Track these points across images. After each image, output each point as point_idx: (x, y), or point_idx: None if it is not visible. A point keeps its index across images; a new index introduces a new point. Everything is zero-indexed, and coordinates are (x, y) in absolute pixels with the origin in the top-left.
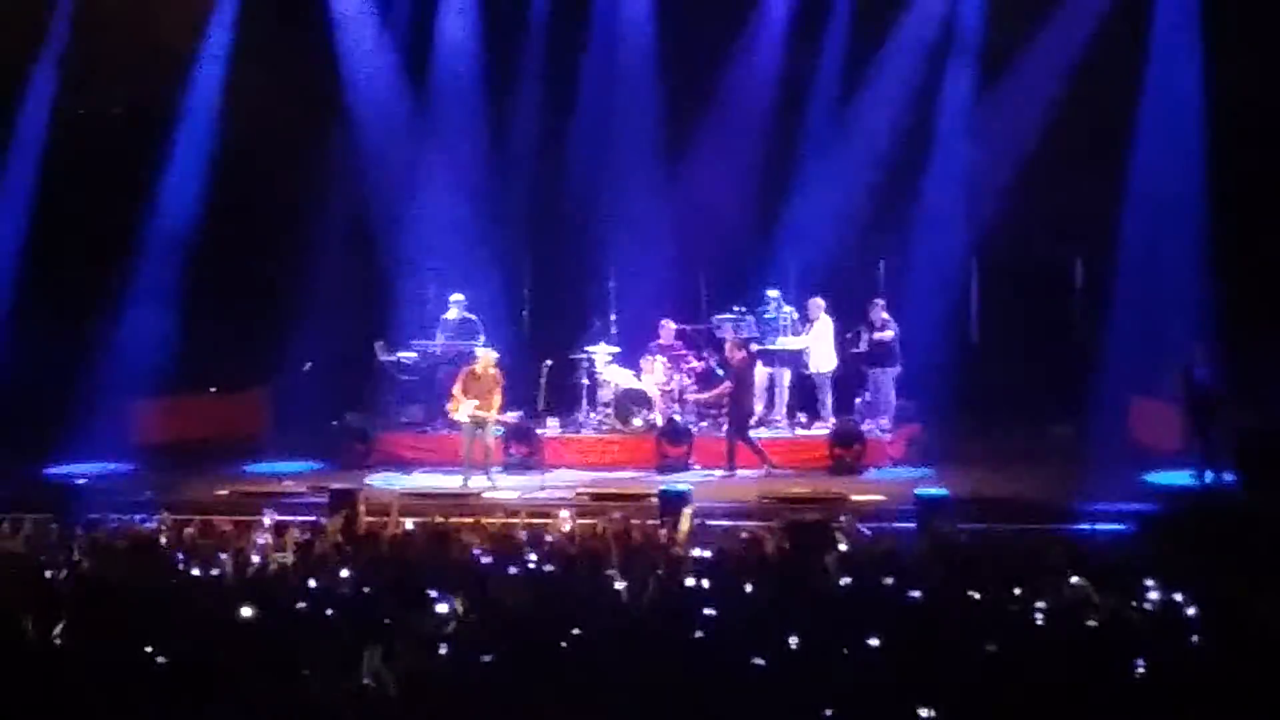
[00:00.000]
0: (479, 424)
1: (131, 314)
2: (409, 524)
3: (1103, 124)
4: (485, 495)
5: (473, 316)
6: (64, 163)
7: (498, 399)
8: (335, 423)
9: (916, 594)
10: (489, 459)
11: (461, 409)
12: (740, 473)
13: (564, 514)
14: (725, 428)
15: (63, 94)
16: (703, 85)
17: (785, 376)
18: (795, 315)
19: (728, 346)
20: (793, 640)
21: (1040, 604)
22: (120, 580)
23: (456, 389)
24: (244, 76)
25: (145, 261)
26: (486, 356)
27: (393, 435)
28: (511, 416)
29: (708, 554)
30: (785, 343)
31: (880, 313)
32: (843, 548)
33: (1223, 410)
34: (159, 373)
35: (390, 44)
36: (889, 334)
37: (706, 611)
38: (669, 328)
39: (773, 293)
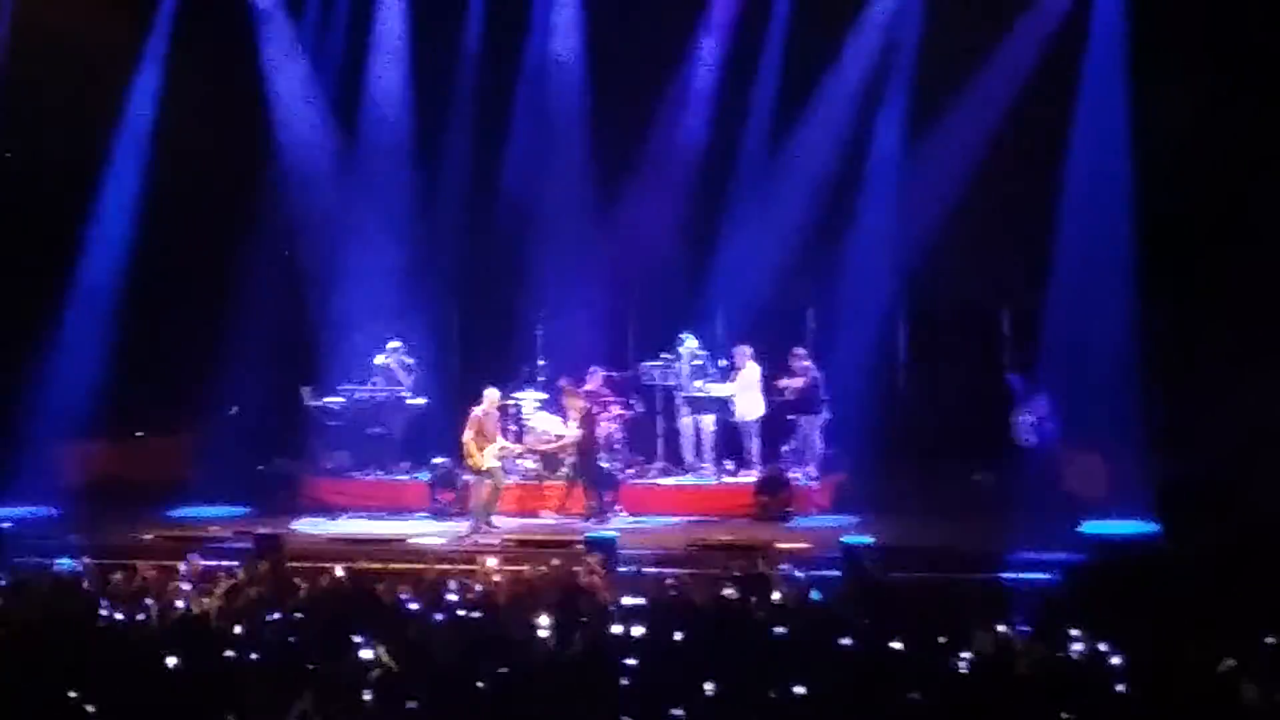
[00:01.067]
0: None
1: (58, 357)
2: (336, 570)
3: (1030, 174)
4: (410, 541)
5: (410, 361)
6: None
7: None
8: (261, 468)
9: (846, 641)
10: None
11: (487, 456)
12: (653, 520)
13: (491, 561)
14: (580, 476)
15: None
16: (632, 133)
17: (709, 423)
18: (723, 363)
19: (566, 396)
20: (719, 688)
21: (965, 653)
22: (43, 625)
23: (468, 439)
24: (173, 122)
25: (73, 305)
26: (492, 396)
27: (319, 480)
28: (439, 461)
29: (638, 601)
30: (710, 389)
31: (803, 360)
32: (775, 596)
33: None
34: (85, 416)
35: (320, 90)
36: (798, 382)
37: (632, 660)
38: (598, 375)
39: (688, 340)
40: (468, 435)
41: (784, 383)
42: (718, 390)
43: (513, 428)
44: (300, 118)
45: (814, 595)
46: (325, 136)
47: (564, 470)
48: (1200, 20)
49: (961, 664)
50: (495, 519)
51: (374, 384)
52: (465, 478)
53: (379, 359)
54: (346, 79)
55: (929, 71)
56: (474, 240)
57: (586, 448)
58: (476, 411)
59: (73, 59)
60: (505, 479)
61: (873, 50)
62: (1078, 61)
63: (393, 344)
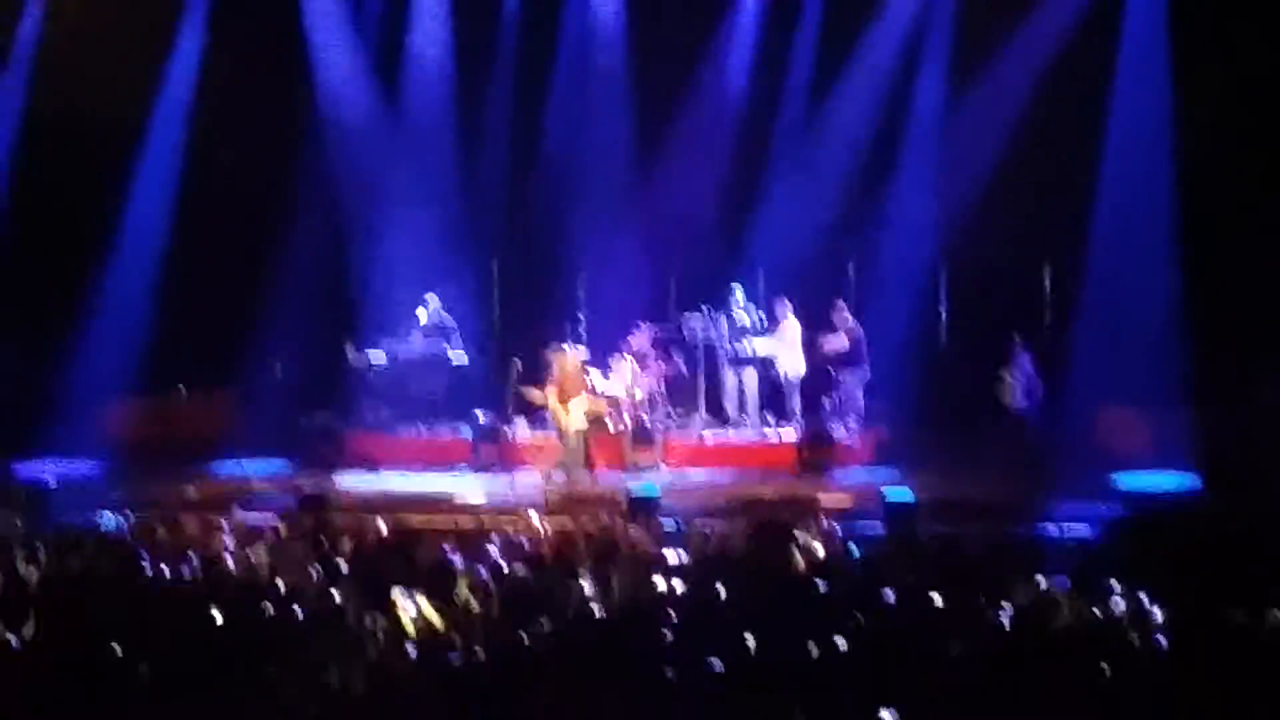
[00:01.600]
0: (593, 420)
1: (101, 313)
2: (380, 524)
3: (1073, 129)
4: (455, 498)
5: (448, 319)
6: (35, 166)
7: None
8: (304, 422)
9: (889, 596)
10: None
11: (573, 415)
12: (695, 475)
13: (533, 515)
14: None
15: (33, 99)
16: (674, 88)
17: (753, 378)
18: (760, 314)
19: (556, 359)
20: (760, 641)
21: (1006, 606)
22: (87, 580)
23: (551, 400)
24: (216, 80)
25: (116, 262)
26: (571, 355)
27: (362, 435)
28: (481, 414)
29: (680, 556)
30: (753, 345)
31: (843, 314)
32: (818, 548)
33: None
34: (127, 371)
35: (362, 48)
36: (854, 335)
37: (673, 614)
38: (644, 332)
39: (737, 290)
40: (551, 398)
41: (828, 344)
42: (760, 345)
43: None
44: (342, 76)
45: (853, 549)
46: (367, 94)
47: (607, 424)
48: None
49: (1002, 617)
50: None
51: (414, 339)
52: (509, 432)
53: (425, 313)
54: (388, 36)
55: (971, 25)
56: (515, 196)
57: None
58: (556, 371)
59: (114, 20)
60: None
61: (915, 4)
62: (1121, 13)
63: (430, 297)
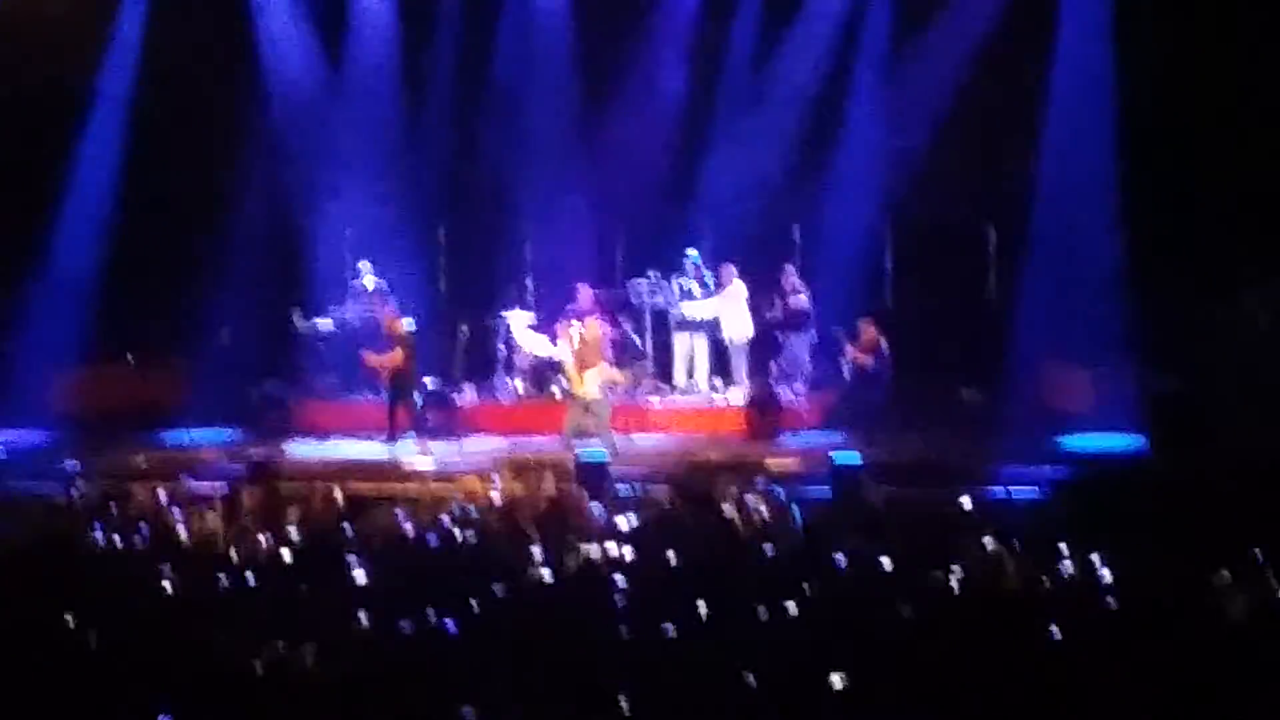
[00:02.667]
0: (611, 388)
1: (47, 282)
2: (330, 492)
3: (1016, 88)
4: (403, 464)
5: (383, 282)
6: None
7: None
8: (252, 391)
9: (838, 559)
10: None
11: (588, 383)
12: (644, 440)
13: (481, 480)
14: (388, 395)
15: None
16: (618, 50)
17: (702, 343)
18: (711, 280)
19: (387, 319)
20: (711, 606)
21: (955, 568)
22: (36, 550)
23: (570, 367)
24: (159, 46)
25: (62, 230)
26: (591, 324)
27: (311, 403)
28: (429, 381)
29: (630, 522)
30: (698, 308)
31: (792, 278)
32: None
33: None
34: (74, 341)
35: (305, 11)
36: (802, 298)
37: (624, 579)
38: (585, 293)
39: (691, 252)
40: (568, 360)
41: (786, 300)
42: (707, 309)
43: (501, 348)
44: (285, 40)
45: (795, 512)
46: (311, 59)
47: (554, 389)
48: None
49: (951, 579)
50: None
51: (348, 306)
52: (455, 398)
53: (363, 280)
54: (330, 5)
55: None
56: (460, 161)
57: (406, 367)
58: (576, 336)
59: None
60: (608, 402)
61: None
62: None
63: (363, 264)
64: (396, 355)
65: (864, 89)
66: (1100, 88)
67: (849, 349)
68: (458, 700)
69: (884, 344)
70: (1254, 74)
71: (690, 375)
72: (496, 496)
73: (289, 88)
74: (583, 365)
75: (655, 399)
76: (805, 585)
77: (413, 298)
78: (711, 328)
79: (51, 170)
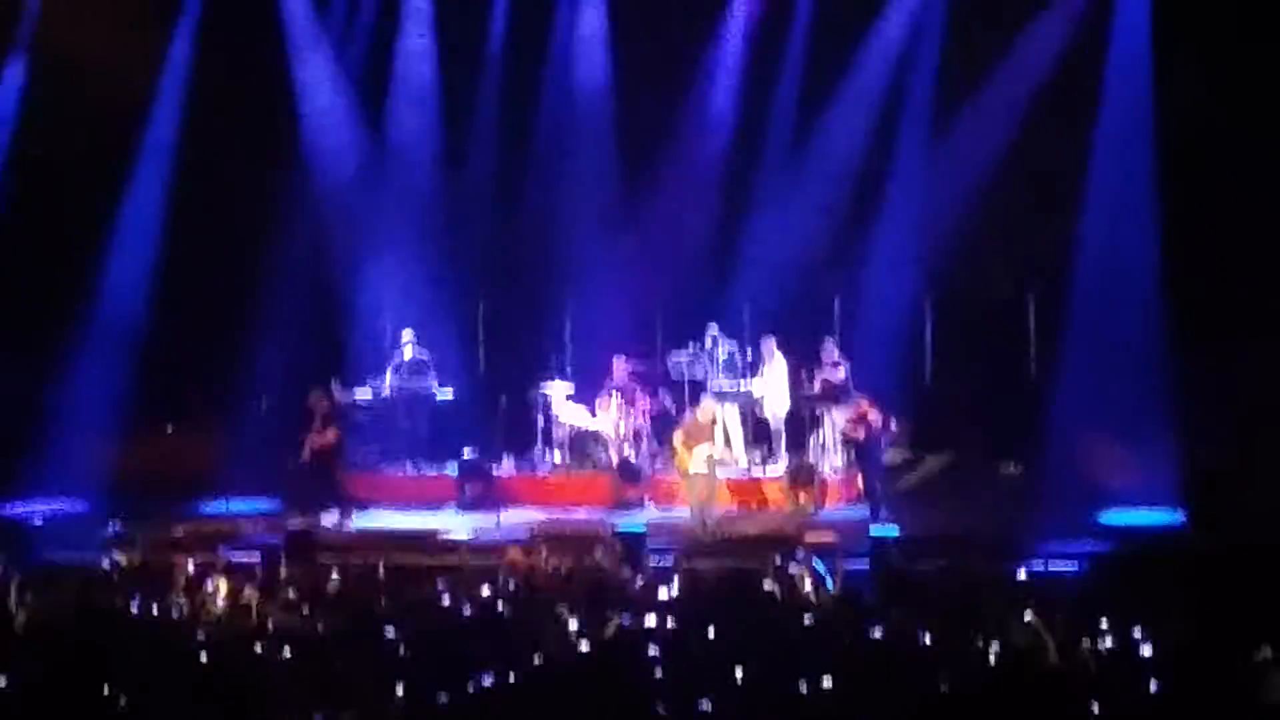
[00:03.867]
0: (713, 468)
1: (89, 352)
2: (367, 563)
3: (1057, 161)
4: (441, 535)
5: (424, 355)
6: (22, 202)
7: (720, 438)
8: (291, 461)
9: (875, 632)
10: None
11: (696, 458)
12: (682, 512)
13: (520, 552)
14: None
15: (20, 136)
16: (659, 124)
17: (737, 415)
18: (734, 351)
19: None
20: (748, 680)
21: (994, 642)
22: (75, 619)
23: (677, 441)
24: (200, 119)
25: (104, 299)
26: (707, 405)
27: (349, 474)
28: (467, 452)
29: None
30: (739, 383)
31: (832, 351)
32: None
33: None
34: (115, 411)
35: (347, 84)
36: (840, 374)
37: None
38: (622, 365)
39: (712, 329)
40: (678, 437)
41: (825, 375)
42: (747, 386)
43: (540, 419)
44: (327, 113)
45: (829, 586)
46: (352, 131)
47: (591, 462)
48: (1225, 5)
49: (990, 653)
50: (713, 513)
51: (388, 378)
52: (494, 469)
53: (404, 353)
54: (373, 73)
55: (955, 58)
56: (500, 232)
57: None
58: (689, 416)
59: (100, 60)
60: (716, 478)
61: (899, 38)
62: (1103, 48)
63: (406, 335)
64: (329, 434)
65: (906, 161)
66: (1142, 160)
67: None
68: None
69: (875, 418)
70: None
71: (728, 446)
72: (535, 567)
73: (331, 159)
74: (690, 442)
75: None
76: (843, 659)
77: (452, 369)
78: (749, 399)
79: (94, 239)
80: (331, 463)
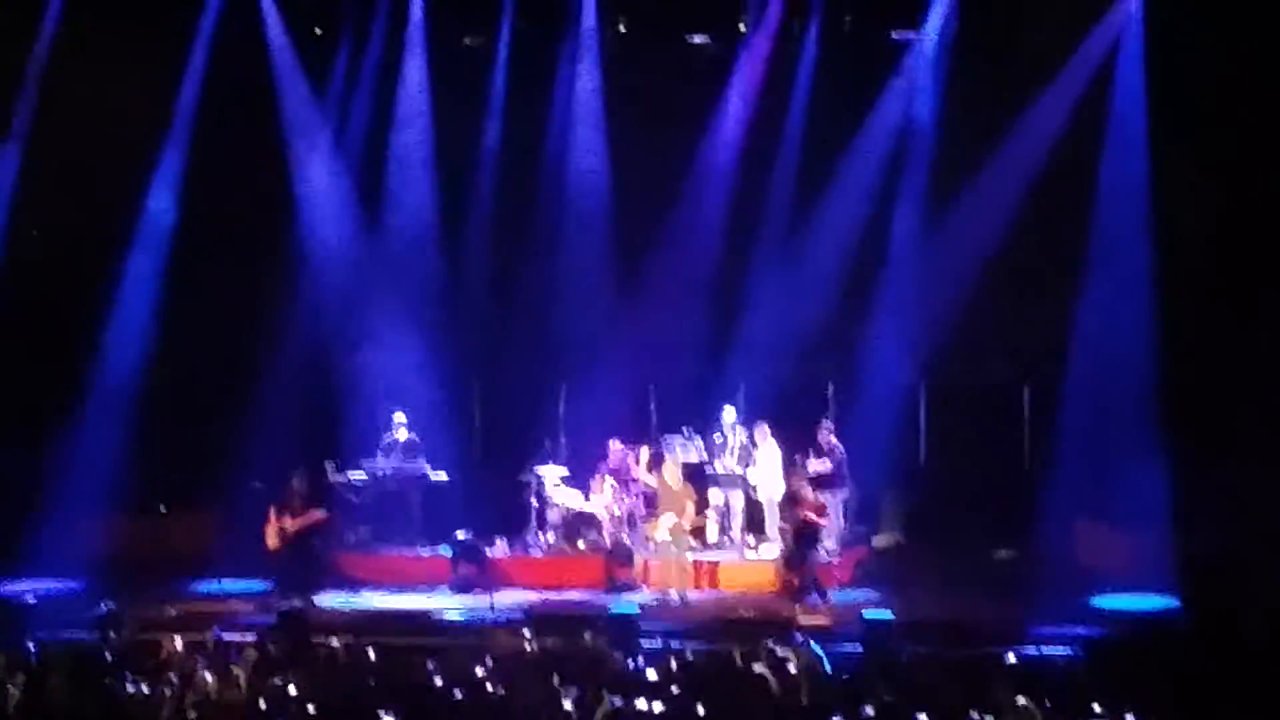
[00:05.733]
0: (677, 538)
1: (82, 432)
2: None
3: (1051, 250)
4: (434, 615)
5: (414, 436)
6: (16, 283)
7: (691, 509)
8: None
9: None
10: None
11: (660, 527)
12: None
13: (512, 633)
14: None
15: (12, 223)
16: (655, 209)
17: (737, 499)
18: (745, 436)
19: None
20: None
21: None
22: (67, 698)
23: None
24: (197, 200)
25: (98, 380)
26: (675, 464)
27: (342, 555)
28: (461, 534)
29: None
30: (737, 470)
31: (828, 435)
32: (796, 665)
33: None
34: (109, 491)
35: (344, 170)
36: (825, 466)
37: None
38: (616, 448)
39: (729, 412)
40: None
41: (811, 468)
42: (748, 474)
43: (534, 502)
44: (323, 197)
45: (825, 664)
46: (348, 211)
47: (583, 545)
48: (1221, 93)
49: None
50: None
51: (379, 459)
52: (487, 551)
53: (397, 434)
54: (369, 159)
55: (950, 148)
56: (496, 316)
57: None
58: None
59: (97, 139)
60: (681, 553)
61: (892, 128)
62: (1100, 137)
63: (398, 418)
64: (314, 514)
65: (900, 248)
66: (1139, 248)
67: (800, 512)
68: None
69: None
70: None
71: (725, 530)
72: (527, 649)
73: (326, 239)
74: (661, 509)
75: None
76: None
77: (447, 451)
78: (745, 483)
79: (89, 319)
80: (315, 543)
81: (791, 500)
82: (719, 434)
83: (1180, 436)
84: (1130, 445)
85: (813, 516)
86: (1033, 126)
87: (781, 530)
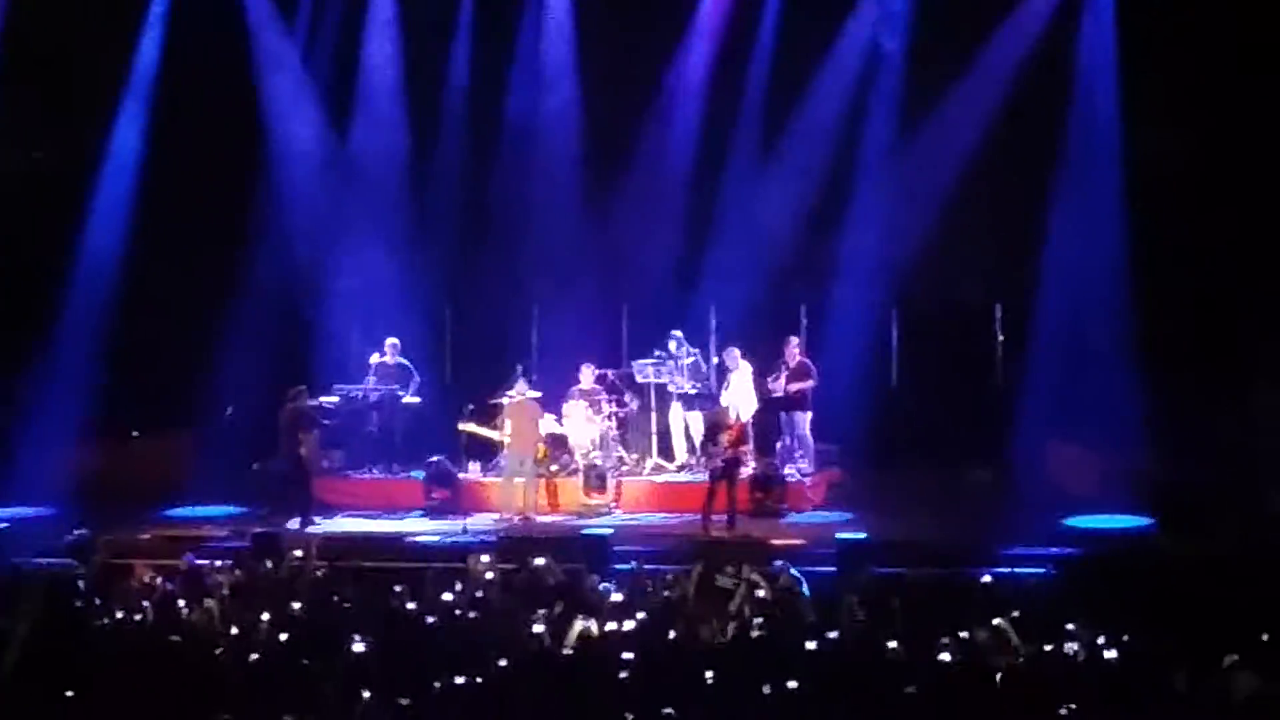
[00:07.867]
0: (521, 462)
1: (54, 358)
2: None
3: (1023, 168)
4: (407, 539)
5: (406, 361)
6: None
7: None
8: (257, 467)
9: (844, 636)
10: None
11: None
12: (647, 518)
13: (485, 558)
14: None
15: None
16: (624, 132)
17: (700, 420)
18: (698, 357)
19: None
20: (714, 684)
21: (960, 646)
22: (40, 624)
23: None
24: (167, 124)
25: (68, 306)
26: (521, 392)
27: (315, 479)
28: (435, 459)
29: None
30: (690, 389)
31: (794, 349)
32: (760, 593)
33: None
34: (81, 417)
35: (313, 90)
36: (809, 383)
37: (627, 657)
38: (588, 372)
39: (676, 334)
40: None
41: (794, 384)
42: (710, 390)
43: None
44: (294, 120)
45: (804, 588)
46: (318, 138)
47: (557, 468)
48: (1191, 11)
49: (956, 658)
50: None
51: (370, 382)
52: (459, 475)
53: (385, 357)
54: (338, 79)
55: (920, 66)
56: (466, 241)
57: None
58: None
59: (65, 66)
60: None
61: (863, 47)
62: (1071, 58)
63: (390, 341)
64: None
65: (872, 168)
66: (1111, 166)
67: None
68: None
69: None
70: (1271, 157)
71: (692, 451)
72: (500, 572)
73: (296, 164)
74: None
75: (660, 478)
76: (809, 663)
77: (419, 375)
78: (713, 403)
79: (60, 244)
80: (308, 469)
81: (714, 429)
82: (684, 356)
83: (1154, 355)
84: (1102, 366)
85: (733, 445)
86: (1004, 47)
87: (712, 454)
